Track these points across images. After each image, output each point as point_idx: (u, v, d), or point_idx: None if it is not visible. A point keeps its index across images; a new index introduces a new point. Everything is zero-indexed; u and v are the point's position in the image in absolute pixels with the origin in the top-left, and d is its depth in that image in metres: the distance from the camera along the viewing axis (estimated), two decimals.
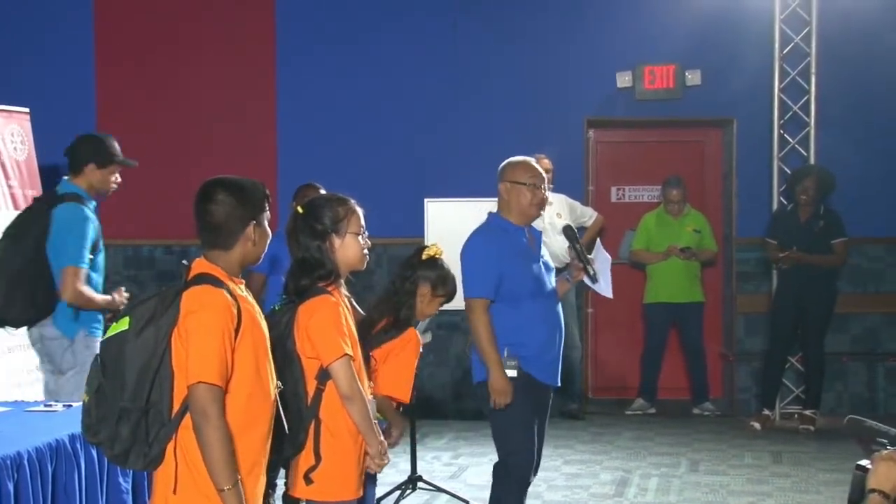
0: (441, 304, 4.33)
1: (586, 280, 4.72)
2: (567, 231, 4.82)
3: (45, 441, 3.85)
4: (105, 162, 5.14)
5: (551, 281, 4.61)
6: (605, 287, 4.75)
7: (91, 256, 5.00)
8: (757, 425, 8.09)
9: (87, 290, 4.94)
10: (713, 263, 8.89)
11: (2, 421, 4.35)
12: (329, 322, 3.44)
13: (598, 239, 5.09)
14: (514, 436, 4.49)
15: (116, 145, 5.24)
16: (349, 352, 3.44)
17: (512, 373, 4.39)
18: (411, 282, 4.21)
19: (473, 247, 4.52)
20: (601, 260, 4.77)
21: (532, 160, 4.65)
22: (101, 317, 5.11)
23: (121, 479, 4.17)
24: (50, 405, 4.67)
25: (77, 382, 4.79)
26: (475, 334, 4.42)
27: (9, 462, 3.60)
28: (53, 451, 3.87)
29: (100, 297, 5.03)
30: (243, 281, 3.15)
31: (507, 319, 4.42)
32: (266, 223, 3.15)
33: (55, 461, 3.87)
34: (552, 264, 4.70)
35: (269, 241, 3.17)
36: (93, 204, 5.15)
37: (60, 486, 3.89)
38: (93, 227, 5.02)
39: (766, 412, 8.22)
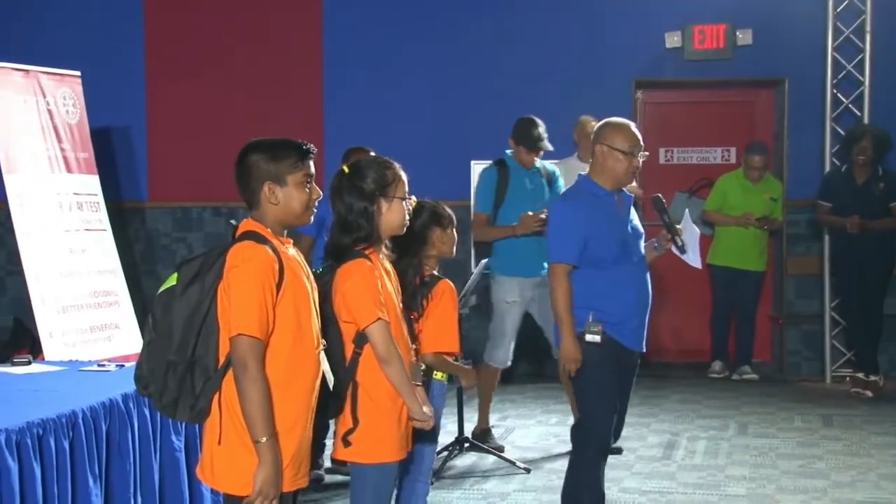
0: (452, 234, 4.15)
1: (674, 250, 4.67)
2: (656, 202, 4.77)
3: (99, 400, 3.91)
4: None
5: (640, 246, 4.54)
6: (693, 258, 4.72)
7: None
8: (869, 393, 7.84)
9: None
10: (776, 233, 8.77)
11: (57, 380, 4.43)
12: (363, 286, 3.45)
13: (687, 211, 5.07)
14: (594, 402, 4.42)
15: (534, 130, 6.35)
16: (384, 316, 3.45)
17: (595, 338, 4.31)
18: (416, 238, 4.05)
19: (560, 211, 4.48)
20: (689, 232, 4.74)
21: (632, 125, 4.47)
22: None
23: (174, 438, 4.23)
24: (103, 365, 4.75)
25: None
26: (553, 299, 4.36)
27: (64, 420, 3.67)
28: (107, 409, 3.93)
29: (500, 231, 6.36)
30: (290, 241, 3.16)
31: (593, 284, 4.34)
32: (296, 182, 3.07)
33: (109, 420, 3.93)
34: (641, 229, 4.63)
35: (306, 200, 3.10)
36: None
37: (114, 445, 3.95)
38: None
39: (873, 377, 7.93)
